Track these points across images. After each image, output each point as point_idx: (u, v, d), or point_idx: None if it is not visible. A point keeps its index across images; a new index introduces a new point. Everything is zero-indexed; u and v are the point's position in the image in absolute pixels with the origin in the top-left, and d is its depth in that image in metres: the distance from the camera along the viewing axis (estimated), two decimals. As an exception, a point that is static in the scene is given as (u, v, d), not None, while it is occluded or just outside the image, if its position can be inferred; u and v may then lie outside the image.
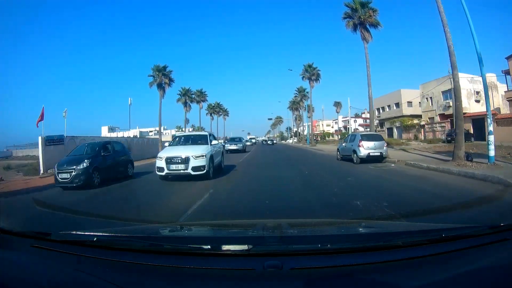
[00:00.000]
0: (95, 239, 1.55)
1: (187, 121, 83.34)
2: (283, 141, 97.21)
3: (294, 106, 66.16)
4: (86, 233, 1.72)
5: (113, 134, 64.60)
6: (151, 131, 72.40)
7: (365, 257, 1.31)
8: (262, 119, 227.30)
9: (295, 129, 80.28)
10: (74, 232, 1.75)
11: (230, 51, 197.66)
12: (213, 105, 66.69)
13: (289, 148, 37.79)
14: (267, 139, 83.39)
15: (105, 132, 73.85)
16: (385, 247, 1.40)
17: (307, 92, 52.27)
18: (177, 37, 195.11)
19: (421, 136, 37.66)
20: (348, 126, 72.47)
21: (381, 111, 49.17)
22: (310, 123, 48.63)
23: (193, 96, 49.76)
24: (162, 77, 33.41)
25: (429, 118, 38.44)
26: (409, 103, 43.37)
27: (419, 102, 40.90)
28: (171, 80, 34.49)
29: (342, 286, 1.19)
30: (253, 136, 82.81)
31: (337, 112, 76.77)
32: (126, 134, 62.44)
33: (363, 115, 79.04)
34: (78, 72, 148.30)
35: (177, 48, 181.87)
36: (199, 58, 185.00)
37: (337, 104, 75.17)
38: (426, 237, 1.46)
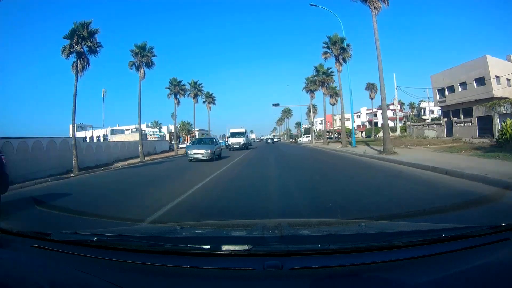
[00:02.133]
0: (95, 239, 1.55)
1: (173, 116, 66.03)
2: (290, 140, 72.80)
3: (319, 79, 34.08)
4: (86, 233, 1.74)
5: (82, 133, 58.95)
6: (127, 129, 59.63)
7: (365, 257, 1.31)
8: (268, 118, 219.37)
9: (316, 121, 52.14)
10: (74, 232, 1.77)
11: (230, 41, 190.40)
12: (178, 81, 35.04)
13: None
14: (272, 137, 74.84)
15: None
16: (385, 247, 1.40)
17: (347, 45, 25.30)
18: (166, 24, 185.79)
19: None
20: (375, 120, 54.49)
21: (446, 92, 32.00)
22: (382, 95, 16.17)
23: (90, 40, 17.04)
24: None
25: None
26: (496, 79, 26.74)
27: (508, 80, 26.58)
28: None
29: (343, 286, 1.19)
30: (239, 129, 36.61)
31: (371, 99, 51.95)
32: (96, 132, 58.02)
33: (391, 107, 58.09)
34: (52, 66, 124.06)
35: (170, 37, 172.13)
36: (193, 49, 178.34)
37: (371, 87, 50.14)
38: (426, 237, 1.46)
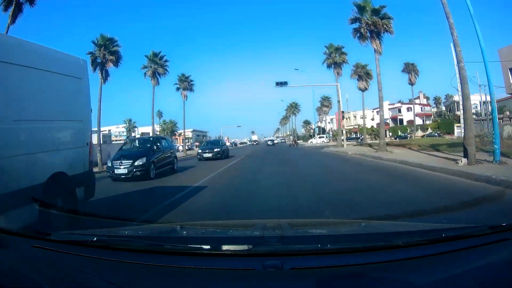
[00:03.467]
0: (95, 239, 1.55)
1: (159, 114, 50.26)
2: (290, 143, 49.86)
3: (366, 22, 18.52)
4: (86, 233, 1.74)
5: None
6: (104, 131, 44.98)
7: (365, 257, 1.31)
8: (272, 118, 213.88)
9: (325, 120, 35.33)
10: (74, 232, 1.77)
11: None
12: (108, 38, 21.76)
13: None
14: (273, 139, 70.63)
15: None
16: (385, 247, 1.40)
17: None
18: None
19: None
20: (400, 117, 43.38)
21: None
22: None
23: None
24: None
25: None
26: None
27: None
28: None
29: (343, 286, 1.19)
30: None
31: (411, 84, 37.11)
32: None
33: (417, 100, 48.07)
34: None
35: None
36: (192, 49, 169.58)
37: (410, 68, 35.10)
38: (426, 237, 1.46)
